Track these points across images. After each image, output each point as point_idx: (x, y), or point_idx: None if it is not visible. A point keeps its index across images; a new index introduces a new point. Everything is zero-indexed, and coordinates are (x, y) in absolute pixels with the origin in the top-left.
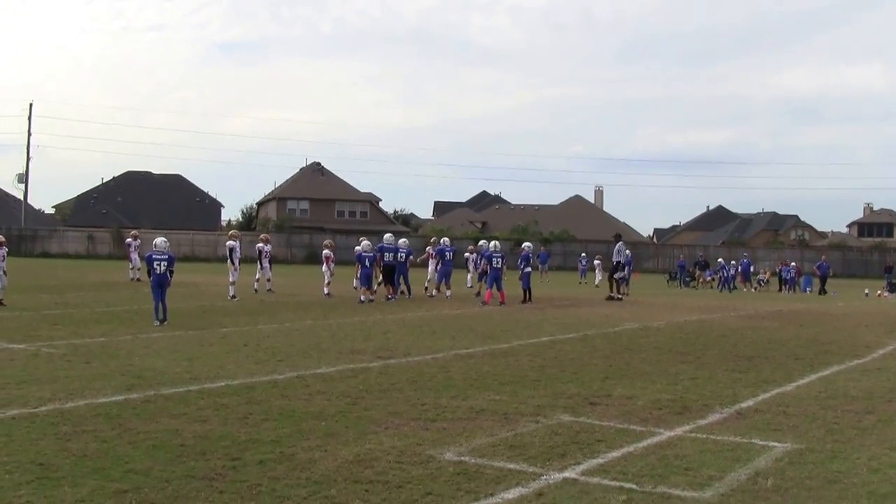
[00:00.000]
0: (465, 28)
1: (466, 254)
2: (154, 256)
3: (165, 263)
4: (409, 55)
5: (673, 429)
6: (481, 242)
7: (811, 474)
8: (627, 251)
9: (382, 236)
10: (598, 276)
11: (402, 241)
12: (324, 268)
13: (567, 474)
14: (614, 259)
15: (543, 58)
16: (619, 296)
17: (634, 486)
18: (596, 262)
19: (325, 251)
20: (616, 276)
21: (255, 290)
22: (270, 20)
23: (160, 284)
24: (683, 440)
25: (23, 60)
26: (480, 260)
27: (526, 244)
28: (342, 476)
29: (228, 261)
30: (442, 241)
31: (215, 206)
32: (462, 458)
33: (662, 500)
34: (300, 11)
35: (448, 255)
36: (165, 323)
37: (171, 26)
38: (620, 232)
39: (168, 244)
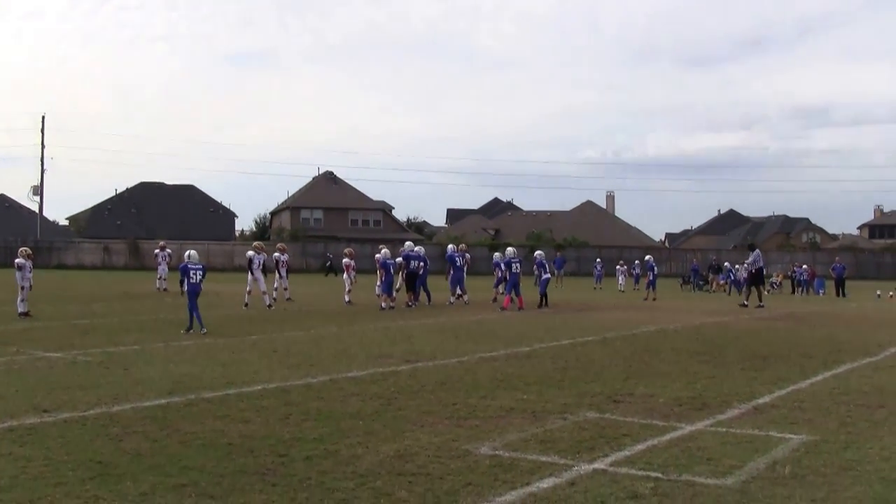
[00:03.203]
0: (472, 35)
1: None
2: (189, 266)
3: (201, 273)
4: (417, 63)
5: (694, 423)
6: (508, 249)
7: (826, 463)
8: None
9: (403, 244)
10: (622, 281)
11: (417, 248)
12: (345, 276)
13: (596, 465)
14: (753, 267)
15: (552, 64)
16: (762, 303)
17: (660, 475)
18: (618, 267)
19: (346, 259)
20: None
21: (274, 299)
22: (278, 30)
23: (195, 293)
24: (704, 434)
25: (32, 72)
26: (503, 266)
27: (538, 252)
28: (385, 469)
29: (248, 272)
30: (448, 247)
31: (229, 217)
32: (497, 452)
33: (687, 487)
34: (307, 21)
35: (459, 262)
36: (205, 332)
37: (178, 36)
38: (632, 235)
39: (198, 257)
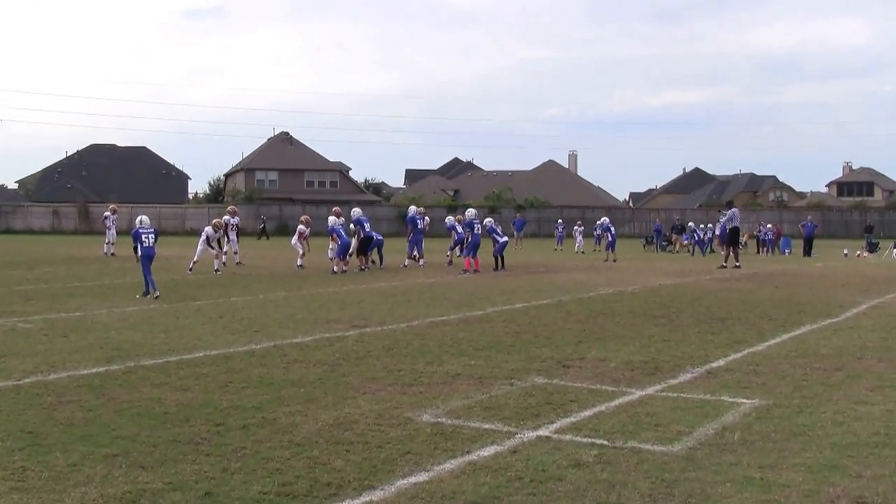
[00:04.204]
0: None
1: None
2: (141, 231)
3: (153, 237)
4: (375, 19)
5: (644, 388)
6: (470, 211)
7: (777, 428)
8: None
9: (359, 206)
10: (580, 242)
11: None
12: (294, 241)
13: (540, 432)
14: (729, 226)
15: (514, 18)
16: (739, 263)
17: (605, 442)
18: (576, 228)
19: (301, 227)
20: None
21: (223, 264)
22: None
23: (149, 258)
24: (654, 399)
25: None
26: (464, 229)
27: (487, 220)
28: (323, 438)
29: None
30: (410, 209)
31: (182, 179)
32: (439, 419)
33: (633, 454)
34: None
35: (420, 224)
36: (157, 296)
37: None
38: (595, 195)
39: (149, 221)
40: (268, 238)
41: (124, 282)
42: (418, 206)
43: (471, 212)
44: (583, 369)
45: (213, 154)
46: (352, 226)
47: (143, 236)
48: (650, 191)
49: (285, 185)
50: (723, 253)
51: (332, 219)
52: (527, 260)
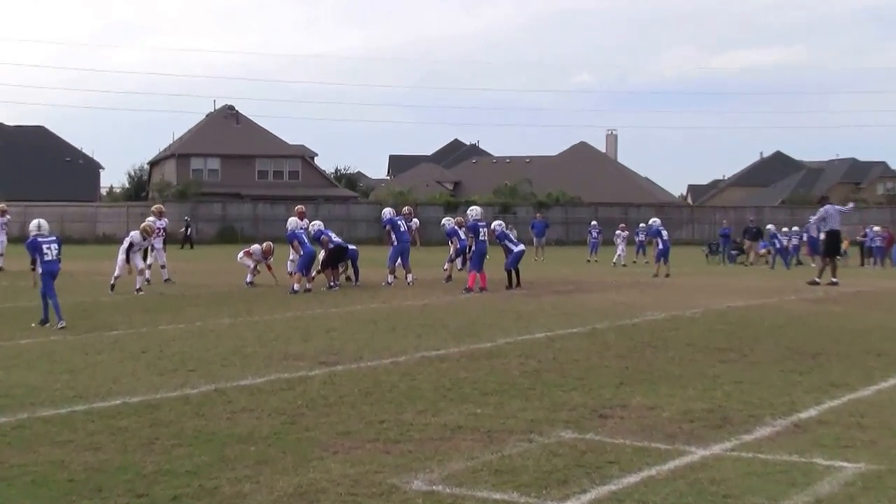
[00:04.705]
0: None
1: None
2: (40, 239)
3: (56, 246)
4: None
5: (708, 446)
6: (474, 209)
7: (891, 501)
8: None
9: (327, 202)
10: (621, 250)
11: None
12: (239, 256)
13: None
14: (826, 228)
15: None
16: (836, 279)
17: None
18: (618, 232)
19: (255, 246)
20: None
21: (147, 281)
22: None
23: (53, 274)
24: (722, 460)
25: None
26: (467, 234)
27: (496, 223)
28: None
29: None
30: (385, 210)
31: (92, 168)
32: (434, 487)
33: None
34: None
35: (403, 228)
36: (62, 325)
37: None
38: (641, 189)
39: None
40: (191, 246)
41: (16, 306)
42: (408, 203)
43: (475, 211)
44: (625, 420)
45: (133, 135)
46: (322, 236)
47: (44, 247)
48: (716, 182)
49: (230, 175)
50: (814, 265)
51: (293, 221)
52: (550, 274)
